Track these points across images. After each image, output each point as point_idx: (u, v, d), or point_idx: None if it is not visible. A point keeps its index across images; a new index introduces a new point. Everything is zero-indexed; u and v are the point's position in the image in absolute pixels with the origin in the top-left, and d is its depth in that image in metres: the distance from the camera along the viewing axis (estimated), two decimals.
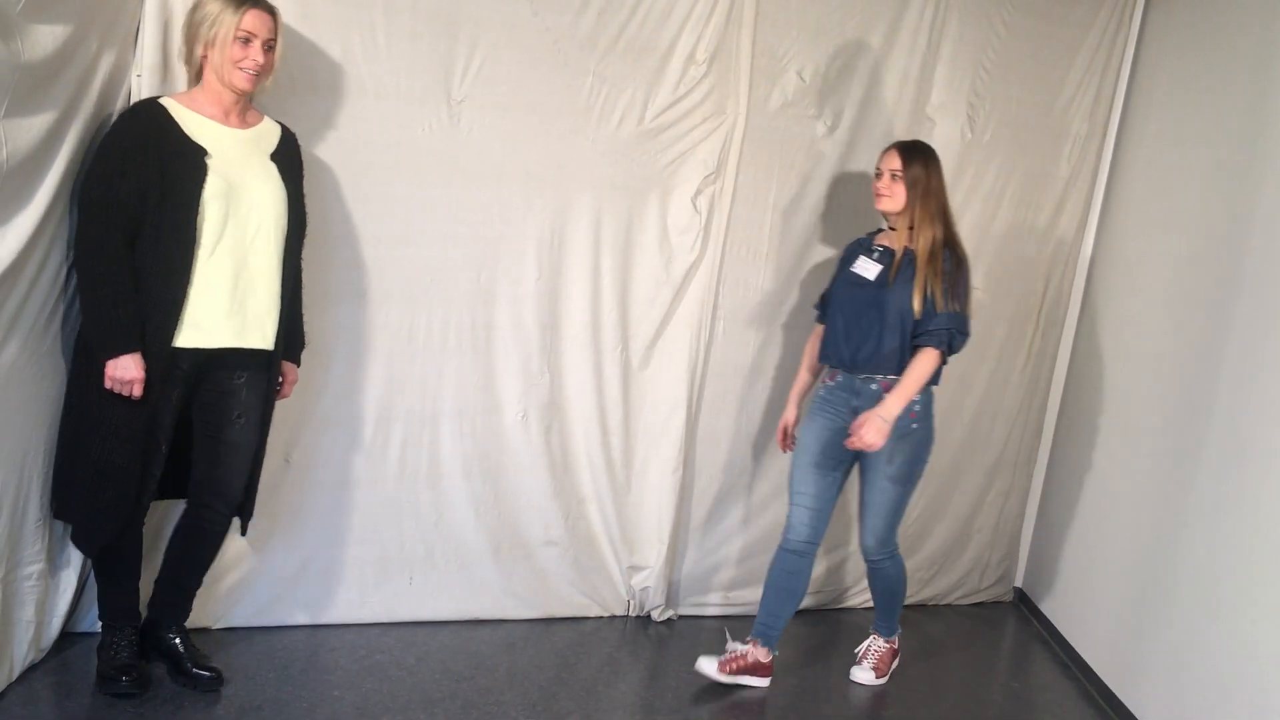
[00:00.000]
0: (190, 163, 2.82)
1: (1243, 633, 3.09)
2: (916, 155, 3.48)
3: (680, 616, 4.09)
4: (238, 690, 3.15)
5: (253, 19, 2.86)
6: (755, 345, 4.00)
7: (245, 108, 2.99)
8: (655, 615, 4.03)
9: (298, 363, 3.23)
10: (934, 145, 4.00)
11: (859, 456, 3.53)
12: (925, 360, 3.40)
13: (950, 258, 3.42)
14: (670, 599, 4.06)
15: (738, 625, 3.85)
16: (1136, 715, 3.58)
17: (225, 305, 2.88)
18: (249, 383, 3.03)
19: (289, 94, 3.23)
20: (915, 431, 3.46)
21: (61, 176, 2.74)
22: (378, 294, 3.46)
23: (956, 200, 4.11)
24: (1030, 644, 4.29)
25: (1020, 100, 4.16)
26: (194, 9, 2.88)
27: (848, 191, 3.96)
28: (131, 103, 2.96)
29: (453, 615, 3.79)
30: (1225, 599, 3.19)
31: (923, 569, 4.48)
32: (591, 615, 4.00)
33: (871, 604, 4.26)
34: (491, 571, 3.82)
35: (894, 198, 3.46)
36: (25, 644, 3.02)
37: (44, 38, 2.57)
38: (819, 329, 3.70)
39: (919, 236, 3.42)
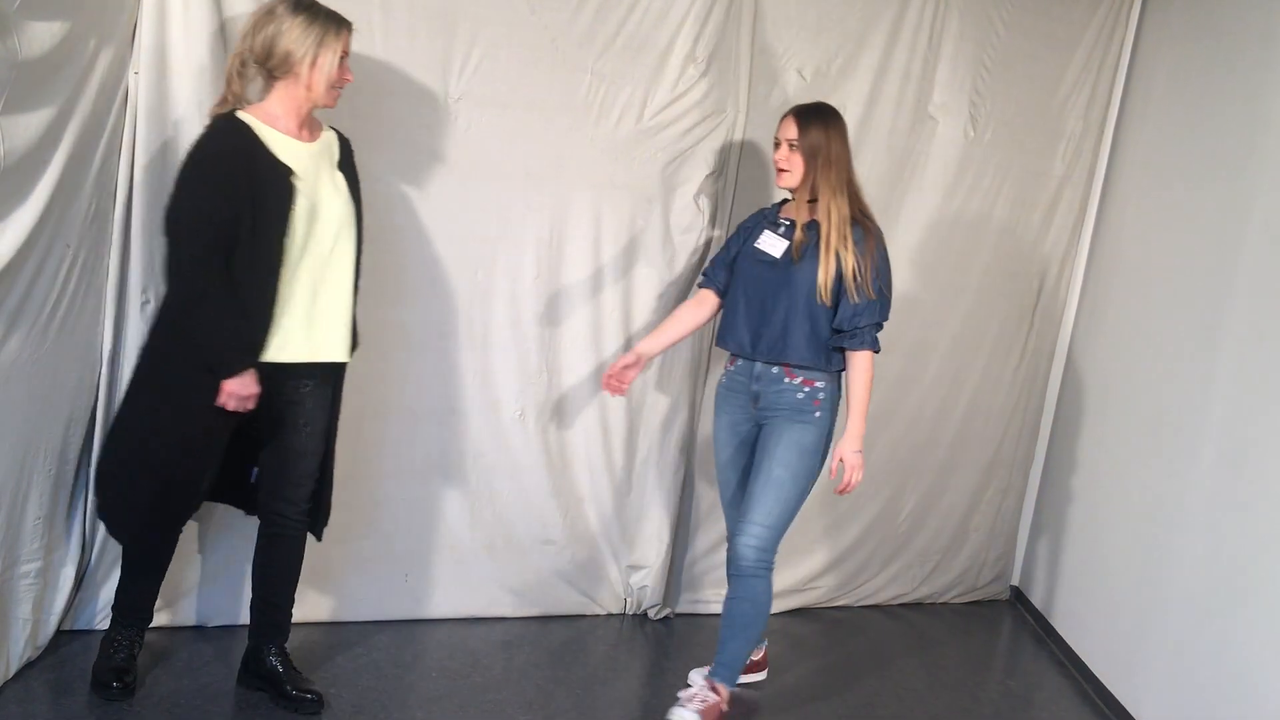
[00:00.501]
0: (280, 183, 2.81)
1: (1238, 630, 3.10)
2: (814, 120, 3.18)
3: (677, 615, 4.09)
4: (234, 688, 3.15)
5: (349, 38, 2.88)
6: None
7: (313, 119, 2.98)
8: (652, 614, 4.03)
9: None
10: (936, 144, 4.04)
11: (756, 450, 3.28)
12: (864, 364, 3.18)
13: (861, 235, 3.14)
14: (668, 597, 4.06)
15: (527, 624, 3.85)
16: (1133, 713, 3.59)
17: (303, 320, 2.88)
18: (314, 391, 3.02)
19: None
20: (819, 421, 3.21)
21: (60, 174, 2.73)
22: (374, 292, 3.43)
23: (955, 199, 4.12)
24: (1026, 642, 4.30)
25: (1019, 99, 4.15)
26: (279, 22, 2.78)
27: None
28: (215, 121, 2.85)
29: (449, 613, 3.79)
30: (1221, 597, 3.19)
31: (917, 567, 4.48)
32: (589, 614, 4.00)
33: (874, 602, 4.28)
34: (488, 569, 3.82)
35: (793, 171, 3.17)
36: (22, 641, 3.02)
37: (41, 35, 2.55)
38: (702, 295, 3.43)
39: (822, 210, 3.14)
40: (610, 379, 3.36)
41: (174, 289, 2.80)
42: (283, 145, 2.84)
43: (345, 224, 2.94)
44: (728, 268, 3.37)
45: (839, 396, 3.28)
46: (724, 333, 3.34)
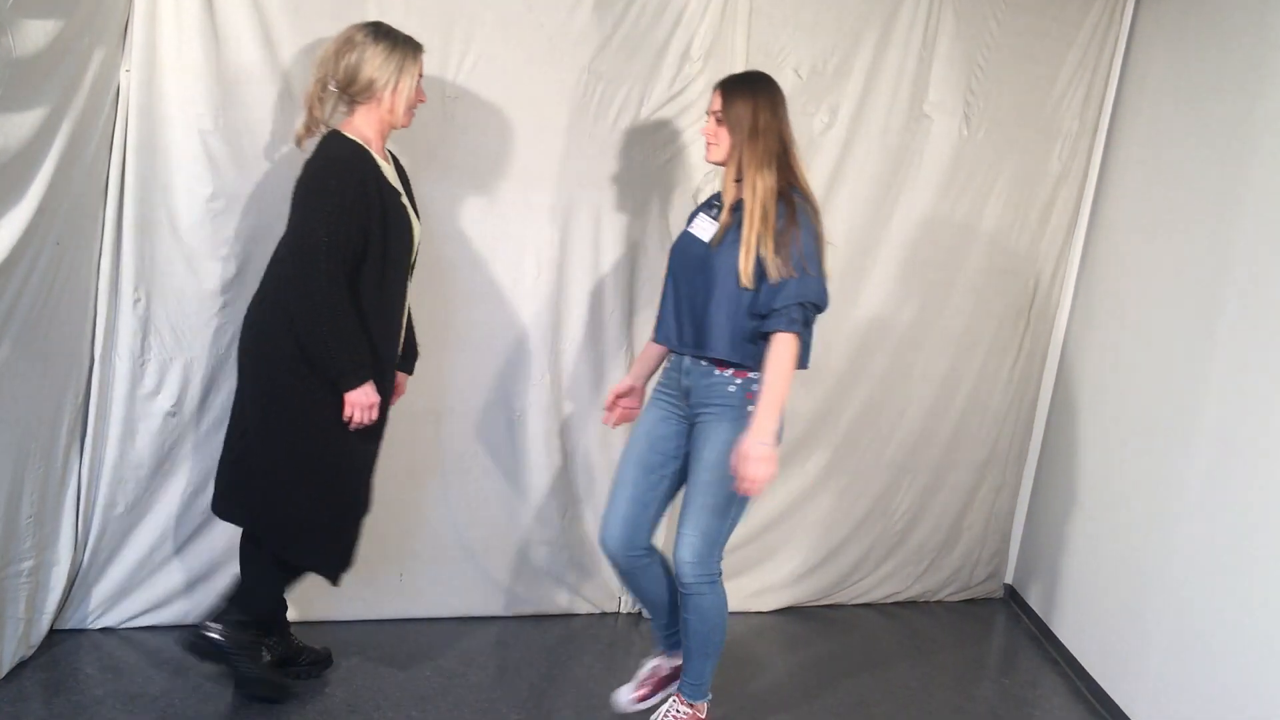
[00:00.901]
0: (396, 202, 2.95)
1: (1232, 629, 3.10)
2: (739, 90, 2.92)
3: None
4: (229, 686, 3.14)
5: (423, 60, 3.01)
6: None
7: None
8: (646, 613, 4.03)
9: (410, 372, 3.31)
10: (931, 143, 4.03)
11: (690, 450, 3.01)
12: (781, 349, 2.82)
13: (784, 211, 2.84)
14: None
15: (521, 623, 3.85)
16: (1126, 711, 3.59)
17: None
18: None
19: (282, 92, 3.22)
20: (752, 416, 2.87)
21: (53, 173, 2.73)
22: None
23: (950, 198, 4.12)
24: (1020, 640, 4.30)
25: (1013, 97, 4.15)
26: (361, 50, 2.87)
27: (844, 189, 3.96)
28: (334, 140, 2.90)
29: (444, 612, 3.79)
30: (1215, 596, 3.20)
31: (911, 565, 4.49)
32: (582, 613, 3.99)
33: (868, 600, 4.27)
34: (485, 569, 3.82)
35: (719, 144, 2.92)
36: (15, 640, 3.02)
37: (35, 33, 2.55)
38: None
39: (747, 187, 2.86)
40: (616, 412, 3.23)
41: (304, 308, 2.81)
42: (382, 165, 2.95)
43: (419, 239, 3.11)
44: None
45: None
46: (657, 324, 3.10)
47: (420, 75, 2.98)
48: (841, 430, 4.18)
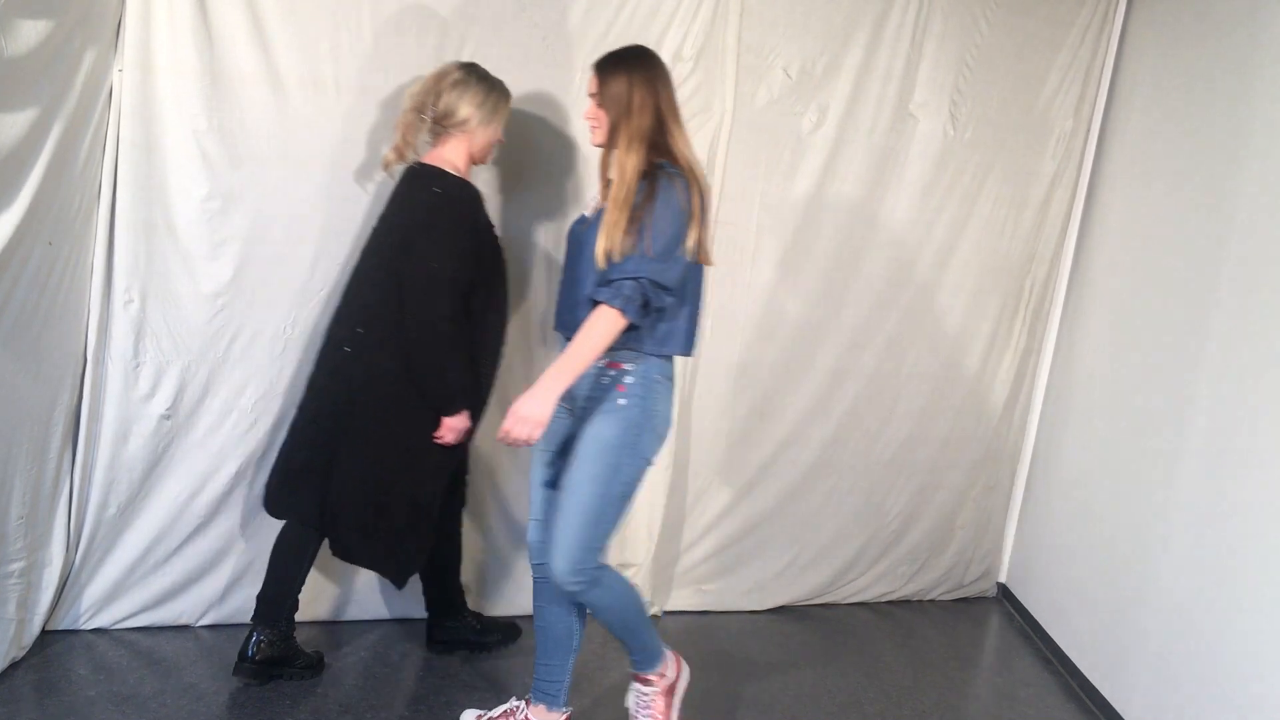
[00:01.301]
0: (494, 236, 3.19)
1: (1225, 628, 3.11)
2: (612, 69, 2.81)
3: (666, 613, 4.10)
4: (221, 686, 3.14)
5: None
6: (742, 342, 4.00)
7: None
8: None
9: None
10: (916, 142, 4.04)
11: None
12: (597, 321, 2.64)
13: (644, 189, 2.68)
14: (657, 596, 4.06)
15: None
16: (1119, 710, 3.60)
17: None
18: None
19: (276, 92, 3.22)
20: (624, 411, 2.74)
21: (44, 174, 2.72)
22: None
23: (936, 197, 4.12)
24: (1013, 639, 4.31)
25: (1002, 97, 4.16)
26: (460, 88, 3.06)
27: (831, 188, 3.96)
28: (442, 175, 3.05)
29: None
30: (1207, 594, 3.21)
31: (905, 564, 4.49)
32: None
33: (862, 599, 4.27)
34: (482, 570, 3.82)
35: (600, 126, 2.81)
36: (6, 641, 3.01)
37: (27, 33, 2.55)
38: None
39: (615, 168, 2.73)
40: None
41: (427, 339, 2.98)
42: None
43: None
44: None
45: (660, 381, 2.81)
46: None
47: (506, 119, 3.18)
48: (831, 428, 4.19)
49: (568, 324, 2.83)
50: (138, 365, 3.23)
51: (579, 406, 2.84)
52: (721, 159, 3.77)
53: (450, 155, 3.09)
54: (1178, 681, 3.30)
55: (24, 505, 2.97)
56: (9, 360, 2.77)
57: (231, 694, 3.12)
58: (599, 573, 2.81)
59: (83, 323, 3.14)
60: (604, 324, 2.64)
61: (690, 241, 2.72)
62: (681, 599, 4.14)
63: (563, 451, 2.88)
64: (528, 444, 2.64)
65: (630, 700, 3.11)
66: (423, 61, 3.35)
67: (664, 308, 2.73)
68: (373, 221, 3.26)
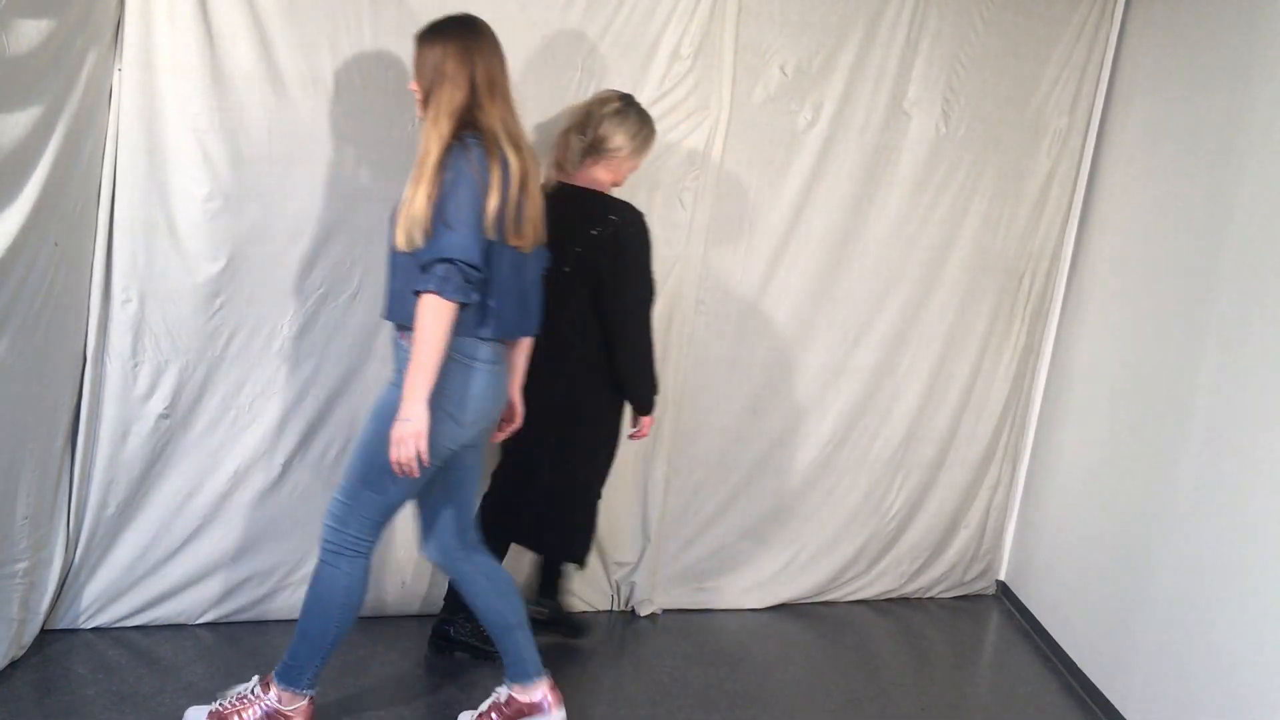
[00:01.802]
0: None
1: (1224, 626, 3.12)
2: (429, 39, 2.70)
3: (664, 611, 4.10)
4: (220, 685, 3.13)
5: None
6: (736, 339, 4.00)
7: None
8: (639, 610, 4.03)
9: None
10: (908, 140, 4.06)
11: None
12: (423, 313, 2.53)
13: (444, 163, 2.58)
14: (655, 594, 4.07)
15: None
16: (1118, 708, 3.61)
17: None
18: None
19: (277, 91, 3.22)
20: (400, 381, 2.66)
21: (49, 173, 2.72)
22: (372, 293, 3.45)
23: (929, 194, 4.13)
24: (1013, 637, 4.31)
25: (996, 95, 4.17)
26: (618, 118, 3.23)
27: (822, 185, 3.97)
28: (622, 203, 3.26)
29: (437, 609, 3.77)
30: (1207, 593, 3.21)
31: (905, 562, 4.50)
32: (576, 610, 3.99)
33: (861, 597, 4.27)
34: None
35: (420, 100, 2.71)
36: (7, 641, 3.01)
37: (29, 32, 2.55)
38: None
39: (421, 141, 2.63)
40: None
41: (638, 351, 3.28)
42: None
43: None
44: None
45: (457, 359, 2.69)
46: None
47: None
48: (828, 426, 4.20)
49: (391, 310, 2.73)
50: (136, 364, 3.23)
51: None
52: (717, 156, 3.78)
53: (600, 176, 3.26)
54: (1176, 679, 3.30)
55: (29, 505, 2.97)
56: (17, 361, 2.77)
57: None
58: (350, 555, 2.78)
59: (83, 322, 3.14)
60: (430, 314, 2.53)
61: (490, 213, 2.61)
62: (680, 597, 4.14)
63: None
64: (423, 460, 2.56)
65: (239, 688, 2.94)
66: None
67: (474, 283, 2.61)
68: (373, 218, 3.29)
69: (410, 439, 2.54)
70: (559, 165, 3.28)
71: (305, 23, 3.22)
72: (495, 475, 3.46)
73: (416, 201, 2.55)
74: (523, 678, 3.05)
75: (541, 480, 3.35)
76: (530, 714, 3.07)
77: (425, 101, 2.67)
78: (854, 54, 3.91)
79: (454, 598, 3.51)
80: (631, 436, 3.48)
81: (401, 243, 2.58)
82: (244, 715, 2.87)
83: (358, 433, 2.79)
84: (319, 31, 3.24)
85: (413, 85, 2.73)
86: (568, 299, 3.16)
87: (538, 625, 3.49)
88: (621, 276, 3.19)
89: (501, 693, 3.10)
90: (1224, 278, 3.33)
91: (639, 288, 3.24)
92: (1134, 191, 4.02)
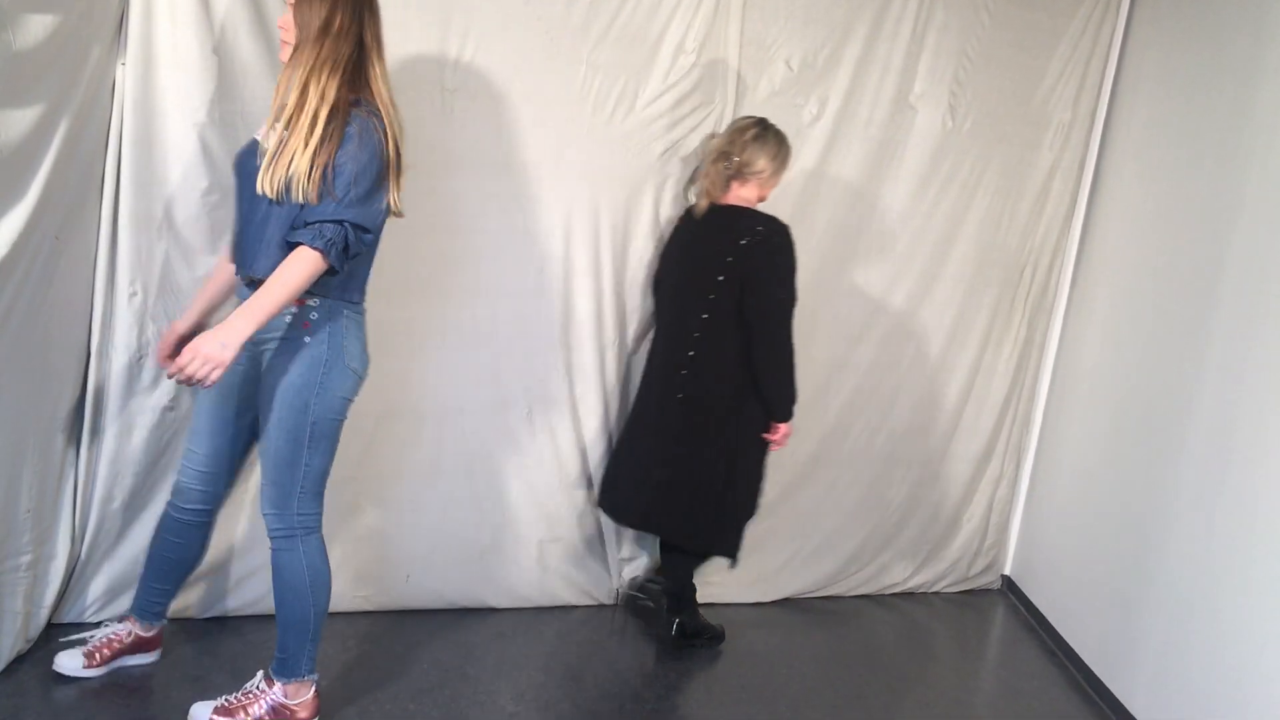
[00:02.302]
0: None
1: (1229, 620, 3.11)
2: None
3: None
4: (224, 680, 3.14)
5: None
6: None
7: None
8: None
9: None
10: (915, 133, 4.05)
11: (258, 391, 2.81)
12: (297, 262, 2.52)
13: (336, 125, 2.56)
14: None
15: (519, 615, 3.86)
16: (1123, 702, 3.60)
17: None
18: None
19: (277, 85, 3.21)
20: (311, 348, 2.68)
21: (52, 168, 2.72)
22: (374, 289, 3.42)
23: (934, 188, 4.13)
24: (1018, 632, 4.31)
25: (1001, 89, 4.17)
26: (763, 143, 3.45)
27: (830, 179, 3.96)
28: (767, 216, 3.46)
29: (443, 605, 3.79)
30: (1212, 587, 3.21)
31: (908, 557, 4.50)
32: (581, 604, 4.00)
33: (865, 591, 4.26)
34: (489, 568, 3.82)
35: (291, 41, 2.62)
36: (13, 634, 3.02)
37: (34, 27, 2.55)
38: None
39: (296, 91, 2.56)
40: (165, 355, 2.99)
41: (777, 358, 3.46)
42: None
43: None
44: None
45: (349, 318, 2.76)
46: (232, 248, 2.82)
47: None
48: (830, 420, 4.20)
49: (250, 264, 2.67)
50: (140, 358, 3.23)
51: (261, 351, 2.76)
52: None
53: (747, 195, 3.49)
54: (1182, 674, 3.30)
55: (31, 498, 2.97)
56: (17, 354, 2.77)
57: (236, 685, 3.12)
58: (300, 533, 2.80)
59: (86, 316, 3.14)
60: (302, 266, 2.51)
61: (394, 187, 2.68)
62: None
63: (240, 398, 2.83)
64: (203, 385, 2.48)
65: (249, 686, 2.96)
66: (426, 53, 3.35)
67: (359, 253, 2.64)
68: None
69: (215, 362, 2.46)
70: (709, 193, 3.52)
71: None
72: (649, 472, 3.59)
73: (302, 158, 2.51)
74: (153, 618, 3.13)
75: (714, 481, 3.55)
76: (137, 650, 3.13)
77: (298, 48, 2.60)
78: (859, 48, 3.90)
79: (674, 597, 3.78)
80: (767, 440, 3.60)
81: (271, 192, 2.55)
82: (250, 710, 2.89)
83: (265, 423, 2.73)
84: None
85: (284, 25, 2.62)
86: (725, 306, 3.42)
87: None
88: (766, 280, 3.40)
89: (120, 631, 3.12)
90: (1229, 273, 3.32)
91: (781, 291, 3.42)
92: (1139, 186, 4.01)
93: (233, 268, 2.85)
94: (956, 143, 4.13)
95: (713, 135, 3.67)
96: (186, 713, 2.93)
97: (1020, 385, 4.49)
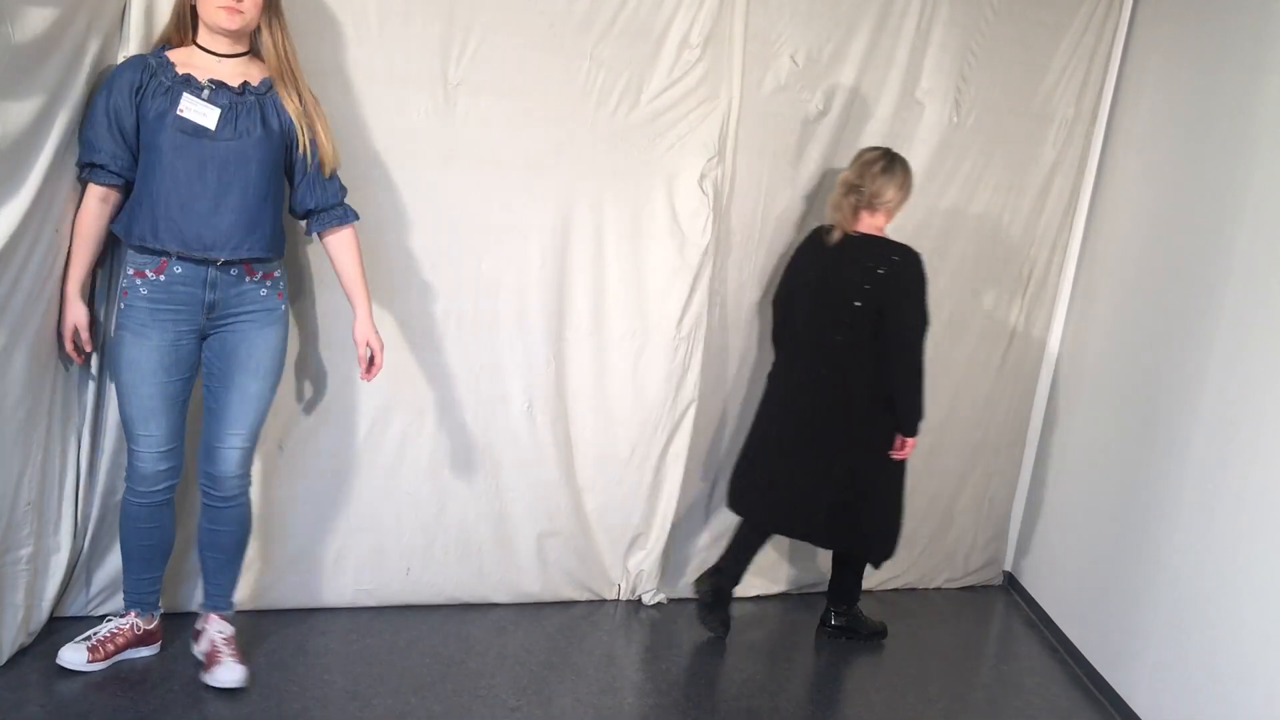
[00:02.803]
0: None
1: (1229, 616, 3.11)
2: None
3: (671, 600, 4.10)
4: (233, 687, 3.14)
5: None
6: (752, 329, 4.00)
7: None
8: (647, 599, 4.03)
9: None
10: (920, 129, 4.04)
11: (207, 362, 2.97)
12: (356, 241, 3.06)
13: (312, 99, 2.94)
14: (663, 583, 4.07)
15: (521, 610, 3.87)
16: (1124, 698, 3.60)
17: None
18: None
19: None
20: (283, 314, 3.02)
21: (51, 161, 2.71)
22: (377, 282, 3.43)
23: (938, 184, 4.13)
24: (1019, 627, 4.31)
25: (1005, 84, 4.16)
26: (894, 174, 3.61)
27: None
28: (904, 246, 3.63)
29: (445, 600, 3.79)
30: (1214, 583, 3.21)
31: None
32: (583, 599, 4.00)
33: (865, 587, 4.26)
34: (489, 561, 3.82)
35: (247, 13, 2.76)
36: (14, 628, 3.01)
37: (34, 20, 2.54)
38: (104, 192, 2.85)
39: (277, 56, 2.86)
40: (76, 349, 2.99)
41: (912, 381, 3.67)
42: None
43: None
44: (126, 145, 2.81)
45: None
46: (145, 228, 2.78)
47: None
48: None
49: (211, 243, 2.80)
50: None
51: (212, 323, 2.91)
52: (730, 146, 3.76)
53: (877, 222, 3.66)
54: (1184, 670, 3.30)
55: (31, 491, 2.97)
56: (16, 346, 2.76)
57: (241, 679, 3.13)
58: (249, 481, 3.11)
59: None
60: (356, 242, 3.07)
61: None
62: (686, 586, 4.13)
63: (182, 374, 2.92)
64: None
65: (205, 643, 3.15)
66: (429, 47, 3.34)
67: None
68: (379, 209, 3.32)
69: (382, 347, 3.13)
70: (840, 224, 3.66)
71: (310, 12, 3.20)
72: (803, 488, 3.74)
73: (311, 132, 2.92)
74: (150, 607, 3.17)
75: (879, 493, 3.79)
76: (141, 644, 3.17)
77: (263, 23, 2.85)
78: (865, 42, 3.90)
79: (835, 591, 4.02)
80: (892, 454, 3.73)
81: (332, 166, 2.98)
82: (234, 644, 3.14)
83: (249, 387, 2.96)
84: (324, 20, 3.22)
85: None
86: (862, 330, 3.60)
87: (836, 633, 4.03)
88: (901, 308, 3.60)
89: (120, 624, 3.14)
90: (1232, 271, 3.31)
91: (915, 317, 3.62)
92: (1143, 183, 4.00)
93: (101, 227, 2.89)
94: (962, 138, 4.12)
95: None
96: (189, 706, 2.93)
97: (1016, 380, 4.48)
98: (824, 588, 4.37)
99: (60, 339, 2.93)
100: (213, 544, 3.10)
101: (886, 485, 3.81)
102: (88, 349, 2.93)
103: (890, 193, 3.62)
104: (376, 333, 3.09)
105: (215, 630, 3.15)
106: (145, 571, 3.10)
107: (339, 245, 3.05)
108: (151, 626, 3.17)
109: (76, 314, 2.91)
